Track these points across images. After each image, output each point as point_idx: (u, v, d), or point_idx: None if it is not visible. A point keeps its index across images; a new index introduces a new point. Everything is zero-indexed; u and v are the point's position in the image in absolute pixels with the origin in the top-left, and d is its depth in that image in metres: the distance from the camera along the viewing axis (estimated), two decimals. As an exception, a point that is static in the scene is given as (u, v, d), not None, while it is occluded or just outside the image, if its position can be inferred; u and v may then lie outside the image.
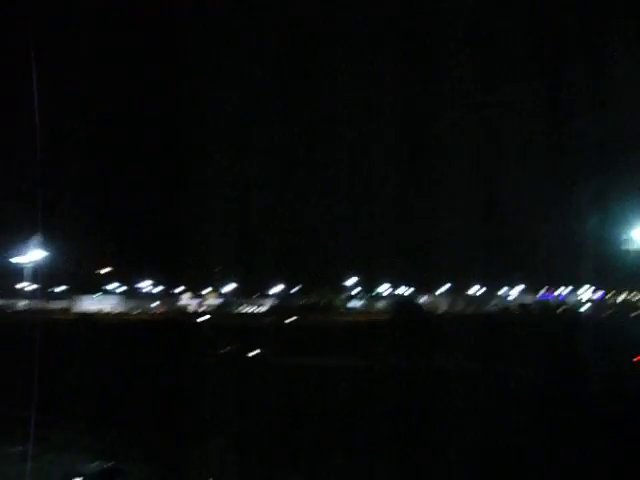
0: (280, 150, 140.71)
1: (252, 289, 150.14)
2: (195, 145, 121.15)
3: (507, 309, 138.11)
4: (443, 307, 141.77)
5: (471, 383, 39.27)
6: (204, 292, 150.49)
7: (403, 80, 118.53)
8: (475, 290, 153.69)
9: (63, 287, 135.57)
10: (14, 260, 40.65)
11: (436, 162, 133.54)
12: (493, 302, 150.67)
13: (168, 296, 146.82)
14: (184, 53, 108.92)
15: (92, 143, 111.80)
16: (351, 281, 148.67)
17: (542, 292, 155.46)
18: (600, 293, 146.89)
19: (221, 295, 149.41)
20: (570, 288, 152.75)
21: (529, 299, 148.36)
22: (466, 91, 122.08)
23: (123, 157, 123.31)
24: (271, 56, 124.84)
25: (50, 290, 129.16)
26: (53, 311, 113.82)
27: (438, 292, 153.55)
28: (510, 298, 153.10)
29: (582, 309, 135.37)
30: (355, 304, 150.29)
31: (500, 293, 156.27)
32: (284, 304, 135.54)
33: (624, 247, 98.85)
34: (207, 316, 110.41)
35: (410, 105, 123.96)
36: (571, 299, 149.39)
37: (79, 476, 22.65)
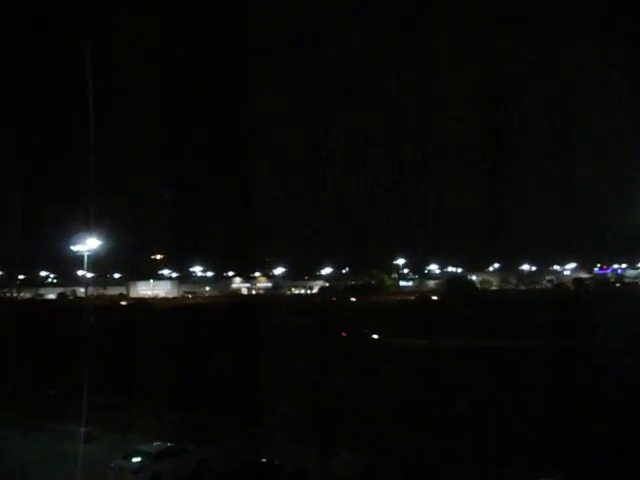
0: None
1: (301, 271, 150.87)
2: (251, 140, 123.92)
3: (562, 285, 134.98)
4: (495, 284, 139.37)
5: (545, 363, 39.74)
6: (254, 275, 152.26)
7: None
8: (527, 267, 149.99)
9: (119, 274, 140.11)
10: (73, 248, 41.84)
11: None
12: (548, 277, 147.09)
13: (220, 280, 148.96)
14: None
15: (148, 137, 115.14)
16: (400, 261, 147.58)
17: (597, 268, 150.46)
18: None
19: (270, 278, 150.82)
20: (624, 265, 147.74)
21: (584, 275, 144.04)
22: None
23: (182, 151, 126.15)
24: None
25: (108, 276, 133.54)
26: (111, 297, 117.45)
27: (489, 269, 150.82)
28: (566, 273, 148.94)
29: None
30: (406, 283, 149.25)
31: (553, 269, 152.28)
32: (335, 285, 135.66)
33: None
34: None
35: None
36: (629, 273, 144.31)
37: (139, 455, 23.56)
